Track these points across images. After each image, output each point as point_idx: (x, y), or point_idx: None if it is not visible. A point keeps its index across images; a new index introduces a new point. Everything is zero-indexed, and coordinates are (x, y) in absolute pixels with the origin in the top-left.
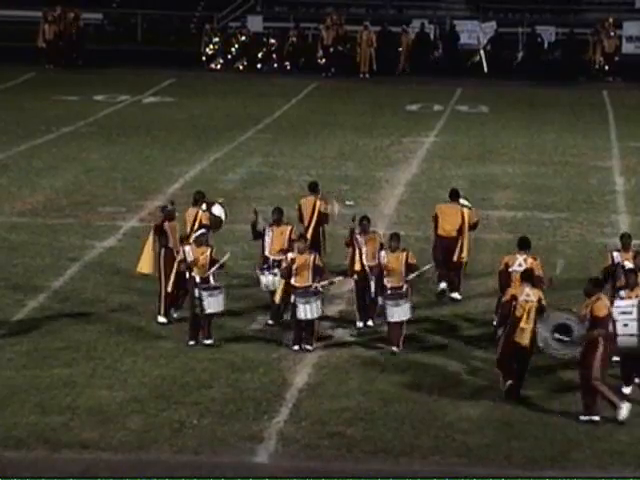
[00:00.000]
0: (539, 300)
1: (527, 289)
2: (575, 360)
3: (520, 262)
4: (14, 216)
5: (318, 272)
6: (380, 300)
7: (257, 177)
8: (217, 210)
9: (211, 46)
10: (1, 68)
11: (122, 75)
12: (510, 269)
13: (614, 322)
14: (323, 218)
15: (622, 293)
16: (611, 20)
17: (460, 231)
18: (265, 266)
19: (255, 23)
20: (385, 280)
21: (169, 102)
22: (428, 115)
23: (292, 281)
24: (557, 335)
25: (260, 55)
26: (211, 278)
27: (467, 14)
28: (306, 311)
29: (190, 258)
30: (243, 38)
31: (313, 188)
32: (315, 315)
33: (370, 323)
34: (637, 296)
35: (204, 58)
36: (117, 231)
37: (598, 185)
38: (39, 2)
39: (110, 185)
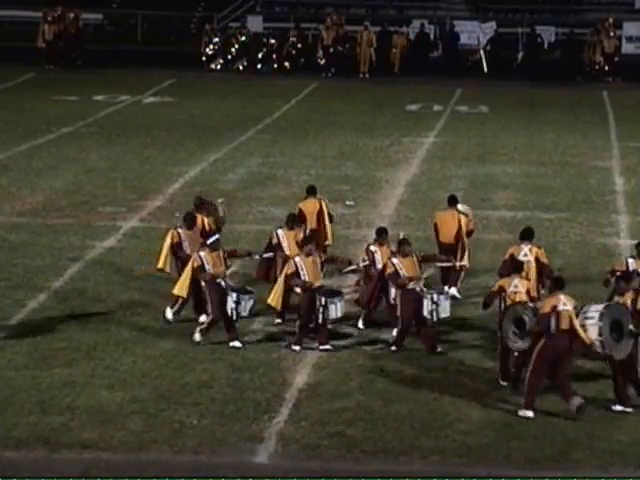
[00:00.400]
0: (527, 291)
1: (516, 280)
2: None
3: (525, 252)
4: (14, 216)
5: (331, 261)
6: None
7: (257, 177)
8: (220, 212)
9: (211, 46)
10: (1, 68)
11: (122, 75)
12: (516, 259)
13: (582, 326)
14: (329, 218)
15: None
16: (611, 20)
17: (457, 237)
18: None
19: (255, 23)
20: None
21: (169, 102)
22: (428, 115)
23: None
24: (514, 328)
25: (260, 55)
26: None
27: (467, 14)
28: (337, 310)
29: (208, 265)
30: (243, 38)
31: (313, 191)
32: (342, 314)
33: (394, 333)
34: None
35: (204, 58)
36: (117, 231)
37: (598, 185)
38: (39, 2)
39: (110, 185)
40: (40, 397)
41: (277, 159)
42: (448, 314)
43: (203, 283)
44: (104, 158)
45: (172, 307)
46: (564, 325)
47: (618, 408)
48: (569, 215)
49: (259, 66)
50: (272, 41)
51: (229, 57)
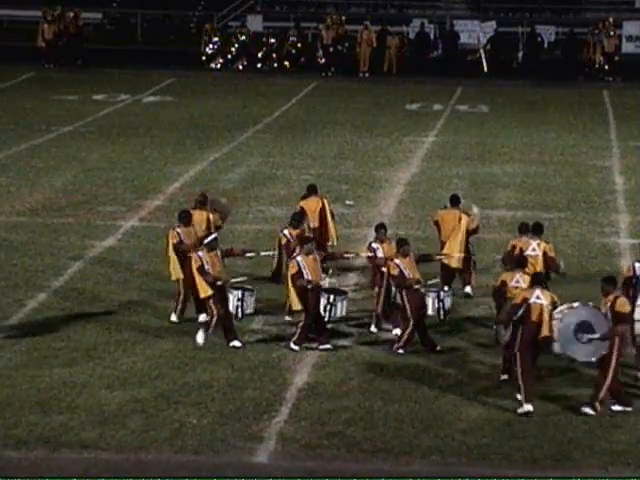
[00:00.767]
0: (552, 296)
1: (517, 275)
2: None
3: (534, 247)
4: (14, 216)
5: (328, 258)
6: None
7: (257, 177)
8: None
9: (211, 46)
10: (1, 68)
11: (122, 75)
12: (525, 254)
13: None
14: (331, 216)
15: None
16: (611, 20)
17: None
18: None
19: (255, 23)
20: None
21: (169, 102)
22: (428, 115)
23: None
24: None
25: (260, 55)
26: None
27: (467, 14)
28: (342, 309)
29: (207, 265)
30: (243, 38)
31: (314, 189)
32: (345, 313)
33: (397, 331)
34: (606, 303)
35: (204, 58)
36: (117, 231)
37: (598, 185)
38: (39, 1)
39: (110, 185)
40: (40, 397)
41: (277, 159)
42: (450, 308)
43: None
44: (104, 157)
45: (175, 310)
46: (534, 317)
47: (617, 408)
48: (569, 214)
49: (259, 65)
50: (272, 40)
51: (229, 56)
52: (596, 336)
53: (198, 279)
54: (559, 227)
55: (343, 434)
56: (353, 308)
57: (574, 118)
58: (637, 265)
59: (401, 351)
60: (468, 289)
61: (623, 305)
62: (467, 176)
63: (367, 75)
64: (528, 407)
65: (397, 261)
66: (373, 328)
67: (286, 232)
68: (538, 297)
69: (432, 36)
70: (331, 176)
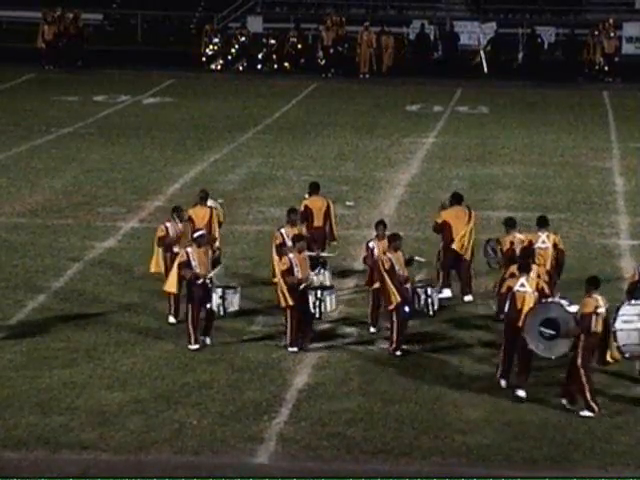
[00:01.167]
0: (536, 288)
1: (522, 279)
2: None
3: (543, 239)
4: (14, 217)
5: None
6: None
7: (257, 178)
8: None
9: (211, 47)
10: (1, 68)
11: (122, 76)
12: (535, 246)
13: None
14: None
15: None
16: (611, 21)
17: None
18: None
19: (255, 24)
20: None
21: (169, 103)
22: (428, 116)
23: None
24: None
25: (260, 56)
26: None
27: (467, 15)
28: (332, 303)
29: (194, 261)
30: (243, 39)
31: (317, 188)
32: (335, 307)
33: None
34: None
35: (204, 59)
36: (117, 232)
37: (598, 186)
38: (39, 2)
39: (110, 186)
40: (40, 397)
41: (277, 160)
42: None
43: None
44: (104, 158)
45: (170, 311)
46: (518, 305)
47: (564, 402)
48: (569, 215)
49: (259, 66)
50: (272, 41)
51: (229, 58)
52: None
53: (173, 273)
54: (559, 228)
55: (343, 435)
56: (353, 309)
57: (574, 119)
58: None
59: (398, 353)
60: (469, 298)
61: (586, 305)
62: (467, 177)
63: (367, 76)
64: (520, 393)
65: (389, 255)
66: (372, 329)
67: (283, 231)
68: (522, 285)
69: (432, 37)
70: (331, 177)
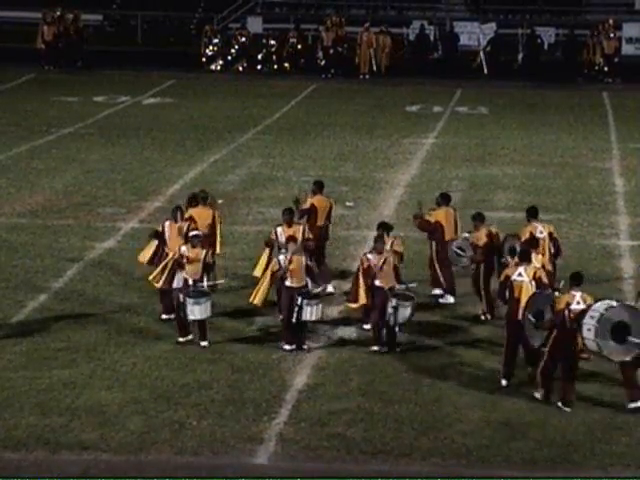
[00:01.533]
0: (534, 277)
1: (520, 269)
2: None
3: (540, 229)
4: (14, 217)
5: (310, 272)
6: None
7: (257, 178)
8: None
9: (211, 47)
10: (1, 69)
11: (122, 76)
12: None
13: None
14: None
15: None
16: (611, 21)
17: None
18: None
19: (255, 24)
20: (378, 282)
21: (169, 103)
22: (428, 116)
23: (287, 283)
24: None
25: (260, 56)
26: (205, 282)
27: (467, 15)
28: (312, 313)
29: (185, 260)
30: (243, 39)
31: (322, 187)
32: (317, 317)
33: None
34: None
35: (204, 59)
36: (117, 232)
37: (598, 186)
38: (39, 3)
39: (110, 186)
40: (40, 398)
41: (277, 160)
42: (406, 320)
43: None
44: (104, 159)
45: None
46: (516, 294)
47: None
48: (569, 216)
49: (259, 67)
50: (272, 42)
51: (229, 58)
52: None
53: (162, 267)
54: (559, 229)
55: (343, 436)
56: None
57: (574, 120)
58: None
59: (375, 348)
60: (451, 299)
61: (559, 302)
62: (467, 178)
63: (367, 77)
64: (503, 382)
65: (370, 256)
66: (366, 326)
67: (279, 230)
68: (520, 274)
69: (432, 38)
70: (331, 178)
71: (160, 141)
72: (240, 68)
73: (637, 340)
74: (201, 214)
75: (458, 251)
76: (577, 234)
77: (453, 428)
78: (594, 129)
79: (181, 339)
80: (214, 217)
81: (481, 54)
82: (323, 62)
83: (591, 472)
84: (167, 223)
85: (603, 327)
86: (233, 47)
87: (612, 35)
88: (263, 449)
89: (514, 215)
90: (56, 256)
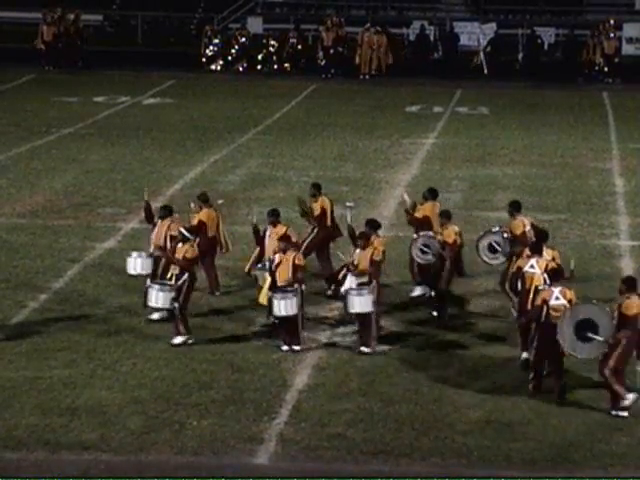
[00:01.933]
0: (546, 269)
1: (532, 261)
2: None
3: (525, 222)
4: (14, 217)
5: (297, 271)
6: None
7: (257, 178)
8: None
9: (211, 47)
10: (1, 69)
11: (122, 76)
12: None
13: None
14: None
15: None
16: (611, 21)
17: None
18: (260, 265)
19: (255, 24)
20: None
21: (169, 103)
22: (428, 116)
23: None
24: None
25: (260, 57)
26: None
27: (467, 15)
28: (279, 308)
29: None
30: (243, 40)
31: (319, 188)
32: (290, 312)
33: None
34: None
35: (204, 59)
36: (117, 232)
37: (598, 186)
38: (39, 3)
39: (110, 186)
40: (40, 398)
41: (277, 160)
42: (355, 310)
43: None
44: (104, 159)
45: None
46: (527, 285)
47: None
48: (569, 216)
49: (259, 67)
50: (272, 42)
51: (229, 58)
52: (599, 338)
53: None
54: (559, 229)
55: (343, 436)
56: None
57: (574, 120)
58: None
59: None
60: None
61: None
62: (467, 178)
63: (367, 77)
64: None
65: (357, 251)
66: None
67: (267, 231)
68: (532, 266)
69: (432, 38)
70: (331, 178)
71: (160, 141)
72: (240, 68)
73: (598, 337)
74: (209, 216)
75: (420, 251)
76: (577, 234)
77: (453, 428)
78: (594, 129)
79: (181, 339)
80: (218, 217)
81: (481, 54)
82: (323, 62)
83: (591, 472)
84: (158, 222)
85: (568, 324)
86: (233, 47)
87: (612, 35)
88: (263, 449)
89: None
90: (56, 256)
